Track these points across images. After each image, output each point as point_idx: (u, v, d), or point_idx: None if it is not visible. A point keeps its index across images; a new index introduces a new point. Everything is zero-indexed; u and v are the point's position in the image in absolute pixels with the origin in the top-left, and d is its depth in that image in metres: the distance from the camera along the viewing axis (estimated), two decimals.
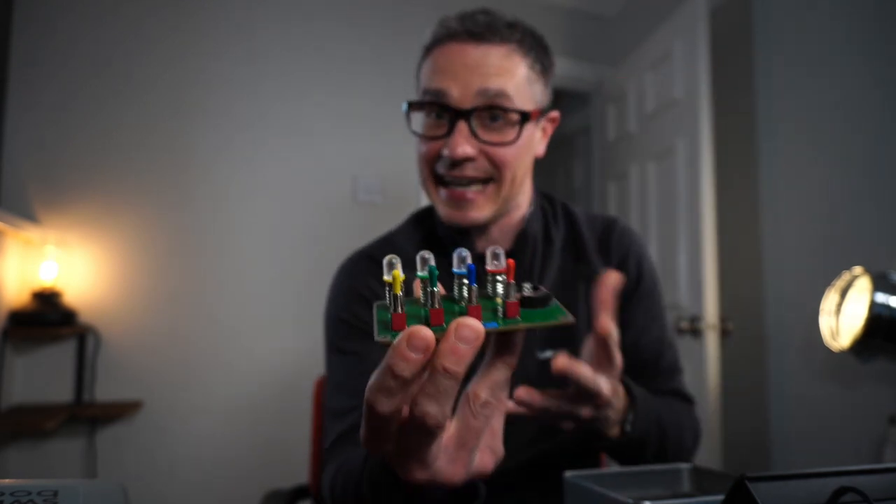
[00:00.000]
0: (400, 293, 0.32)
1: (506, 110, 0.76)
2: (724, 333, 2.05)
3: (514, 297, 0.33)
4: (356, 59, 2.41)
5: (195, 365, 2.10)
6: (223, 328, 2.14)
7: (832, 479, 0.40)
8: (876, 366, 1.49)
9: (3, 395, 1.80)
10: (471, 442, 0.37)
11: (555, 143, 4.16)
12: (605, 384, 0.61)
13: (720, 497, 0.42)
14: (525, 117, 0.78)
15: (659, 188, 2.27)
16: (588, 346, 0.64)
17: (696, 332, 1.97)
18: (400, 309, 0.32)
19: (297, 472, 1.74)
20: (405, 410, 0.34)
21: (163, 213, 2.11)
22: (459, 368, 0.32)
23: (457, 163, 0.77)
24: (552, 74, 0.87)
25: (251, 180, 2.23)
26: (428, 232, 0.90)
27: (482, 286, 0.35)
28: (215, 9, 2.23)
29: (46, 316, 1.83)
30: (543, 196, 0.94)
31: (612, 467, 0.68)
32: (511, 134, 0.78)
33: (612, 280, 0.60)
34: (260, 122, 2.26)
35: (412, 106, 0.82)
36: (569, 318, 0.34)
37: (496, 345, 0.36)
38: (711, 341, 1.92)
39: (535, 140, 0.85)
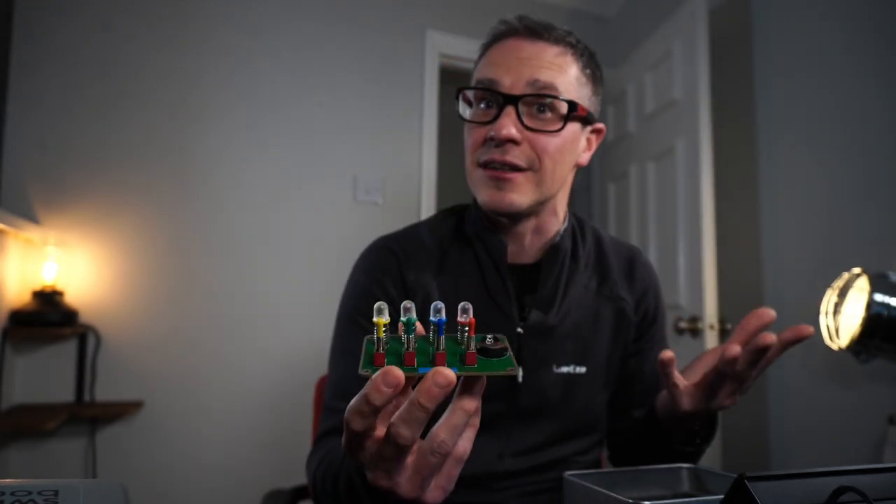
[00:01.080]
0: (383, 336, 0.41)
1: (554, 98, 0.78)
2: (724, 333, 2.05)
3: (473, 349, 0.41)
4: (356, 60, 2.41)
5: (196, 365, 2.10)
6: (223, 328, 2.14)
7: (831, 479, 0.40)
8: (875, 366, 1.49)
9: (3, 394, 1.80)
10: (424, 472, 0.43)
11: None
12: (685, 398, 0.71)
13: (720, 497, 0.42)
14: (572, 107, 0.78)
15: (658, 188, 2.27)
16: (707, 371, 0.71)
17: (695, 332, 1.97)
18: (381, 349, 0.41)
19: (298, 472, 1.74)
20: (380, 431, 0.42)
21: (163, 214, 2.12)
22: (430, 405, 0.39)
23: (500, 144, 0.77)
24: (602, 89, 0.89)
25: (251, 180, 2.23)
26: (454, 232, 0.90)
27: (453, 331, 0.42)
28: (216, 10, 2.23)
29: (47, 316, 1.83)
30: (573, 215, 0.94)
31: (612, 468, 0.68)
32: (557, 125, 0.79)
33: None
34: (260, 122, 2.26)
35: (462, 93, 0.84)
36: (515, 370, 0.41)
37: (461, 387, 0.42)
38: (711, 341, 1.92)
39: (579, 144, 0.85)
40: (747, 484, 0.38)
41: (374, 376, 0.39)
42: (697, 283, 1.97)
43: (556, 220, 0.87)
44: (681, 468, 0.65)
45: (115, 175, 2.07)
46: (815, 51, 1.85)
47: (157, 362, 2.05)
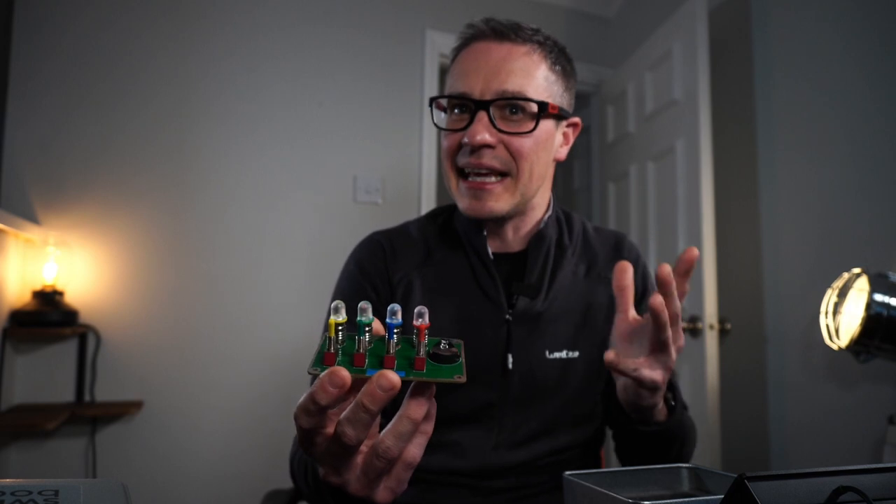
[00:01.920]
0: (334, 336, 0.40)
1: (525, 99, 0.79)
2: (724, 333, 2.05)
3: (422, 354, 0.41)
4: (356, 60, 2.41)
5: (195, 365, 2.10)
6: (223, 328, 2.14)
7: (831, 479, 0.40)
8: (875, 366, 1.49)
9: (3, 394, 1.80)
10: (372, 475, 0.44)
11: None
12: (657, 373, 0.64)
13: (720, 497, 0.42)
14: (542, 107, 0.80)
15: (658, 189, 2.27)
16: (627, 332, 0.66)
17: (695, 331, 1.97)
18: (333, 349, 0.41)
19: None
20: (330, 429, 0.43)
21: (163, 214, 2.12)
22: (374, 408, 0.40)
23: (475, 150, 0.79)
24: (574, 82, 0.89)
25: (251, 181, 2.23)
26: (442, 227, 0.93)
27: (410, 333, 0.43)
28: (217, 12, 2.23)
29: (47, 316, 1.83)
30: (560, 208, 0.96)
31: (612, 467, 0.68)
32: (529, 125, 0.80)
33: (627, 269, 0.66)
34: (260, 122, 2.26)
35: (436, 102, 0.86)
36: (462, 378, 0.41)
37: (411, 392, 0.42)
38: (710, 341, 1.92)
39: (555, 141, 0.87)
40: (747, 484, 0.38)
41: (321, 376, 0.39)
42: (697, 283, 1.97)
43: (539, 210, 0.90)
44: (681, 468, 0.65)
45: (115, 175, 2.07)
46: (814, 51, 1.85)
47: (157, 362, 2.05)
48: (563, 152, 0.89)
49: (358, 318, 0.40)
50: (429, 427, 0.44)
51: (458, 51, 0.86)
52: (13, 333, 1.81)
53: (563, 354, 0.84)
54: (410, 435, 0.43)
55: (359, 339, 0.41)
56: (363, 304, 0.41)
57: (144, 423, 2.02)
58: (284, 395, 2.14)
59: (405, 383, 0.40)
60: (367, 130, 2.41)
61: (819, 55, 1.84)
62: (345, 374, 0.39)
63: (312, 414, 0.41)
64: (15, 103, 1.95)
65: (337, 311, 0.40)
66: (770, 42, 2.02)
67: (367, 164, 2.40)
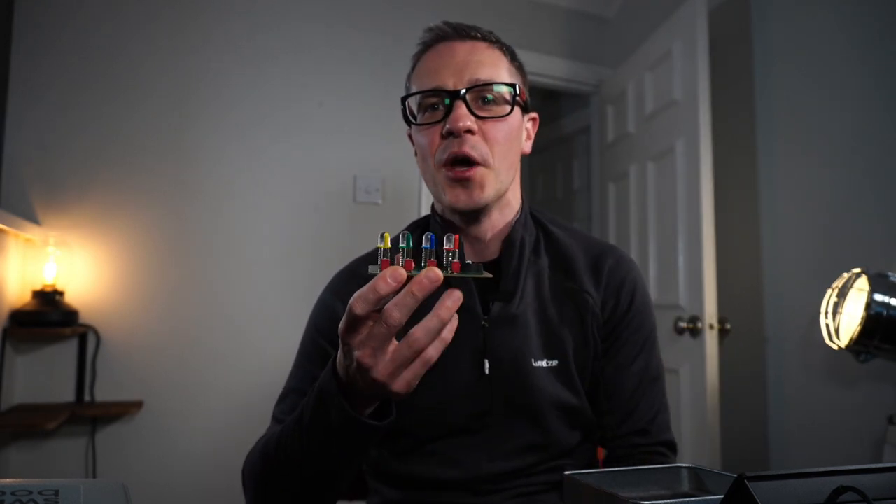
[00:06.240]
0: (388, 247, 0.52)
1: (497, 84, 0.81)
2: (723, 333, 2.05)
3: (457, 259, 0.54)
4: (357, 61, 2.42)
5: (195, 365, 2.10)
6: (223, 328, 2.14)
7: (831, 479, 0.40)
8: (875, 366, 1.49)
9: (3, 394, 1.80)
10: (399, 360, 0.54)
11: (554, 144, 4.08)
12: None
13: (720, 497, 0.42)
14: (516, 91, 0.82)
15: (658, 189, 2.27)
16: None
17: (694, 331, 1.97)
18: (386, 256, 0.52)
19: None
20: (375, 317, 0.53)
21: (163, 214, 2.12)
22: (420, 295, 0.51)
23: (458, 137, 0.78)
24: (528, 81, 0.92)
25: (252, 180, 2.23)
26: (421, 238, 0.92)
27: (441, 261, 0.54)
28: (217, 12, 2.23)
29: (47, 316, 1.83)
30: (531, 212, 0.94)
31: (612, 467, 0.68)
32: (504, 109, 0.82)
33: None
34: (260, 122, 2.26)
35: (409, 100, 0.85)
36: (489, 275, 0.54)
37: (441, 297, 0.52)
38: (710, 341, 1.92)
39: (522, 133, 0.88)
40: (747, 484, 0.38)
41: (381, 272, 0.50)
42: (697, 283, 1.97)
43: (511, 210, 0.88)
44: (681, 468, 0.65)
45: (115, 175, 2.07)
46: (814, 50, 1.85)
47: (157, 362, 2.05)
48: (528, 146, 0.90)
49: (400, 244, 0.53)
50: (448, 336, 0.54)
51: (419, 55, 0.87)
52: (13, 333, 1.81)
53: (544, 363, 0.83)
54: (436, 333, 0.53)
55: (405, 250, 0.53)
56: (404, 230, 0.53)
57: (144, 423, 2.02)
58: None
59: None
60: (367, 130, 2.40)
61: (819, 55, 1.84)
62: (402, 271, 0.50)
63: (370, 302, 0.51)
64: (15, 103, 1.95)
65: (382, 238, 0.52)
66: (770, 42, 2.03)
67: (367, 164, 2.39)
